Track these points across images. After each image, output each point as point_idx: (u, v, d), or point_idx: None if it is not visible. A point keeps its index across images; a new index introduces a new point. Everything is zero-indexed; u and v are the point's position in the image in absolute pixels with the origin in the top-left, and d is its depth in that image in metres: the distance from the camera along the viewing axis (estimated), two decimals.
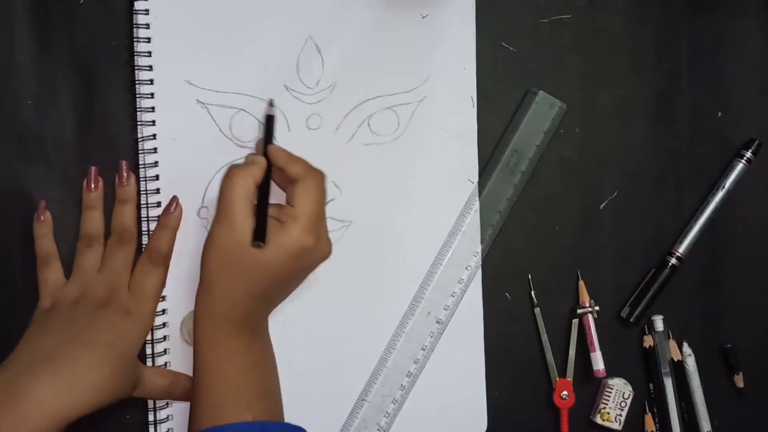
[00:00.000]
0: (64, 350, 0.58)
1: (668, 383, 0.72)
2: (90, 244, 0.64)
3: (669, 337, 0.73)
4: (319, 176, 0.61)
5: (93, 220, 0.64)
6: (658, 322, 0.72)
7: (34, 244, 0.64)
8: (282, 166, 0.61)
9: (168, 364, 0.66)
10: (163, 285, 0.65)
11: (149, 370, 0.64)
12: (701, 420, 0.72)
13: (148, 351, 0.65)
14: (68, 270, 0.64)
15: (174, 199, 0.65)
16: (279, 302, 0.64)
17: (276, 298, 0.63)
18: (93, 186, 0.64)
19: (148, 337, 0.65)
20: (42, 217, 0.64)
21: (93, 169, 0.64)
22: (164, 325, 0.66)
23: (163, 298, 0.66)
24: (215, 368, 0.59)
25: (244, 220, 0.58)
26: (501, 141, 0.70)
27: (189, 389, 0.64)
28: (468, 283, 0.70)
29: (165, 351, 0.66)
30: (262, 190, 0.60)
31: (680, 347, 0.73)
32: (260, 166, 0.60)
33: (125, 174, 0.65)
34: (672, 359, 0.72)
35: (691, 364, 0.72)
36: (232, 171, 0.59)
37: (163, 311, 0.66)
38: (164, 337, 0.66)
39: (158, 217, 0.65)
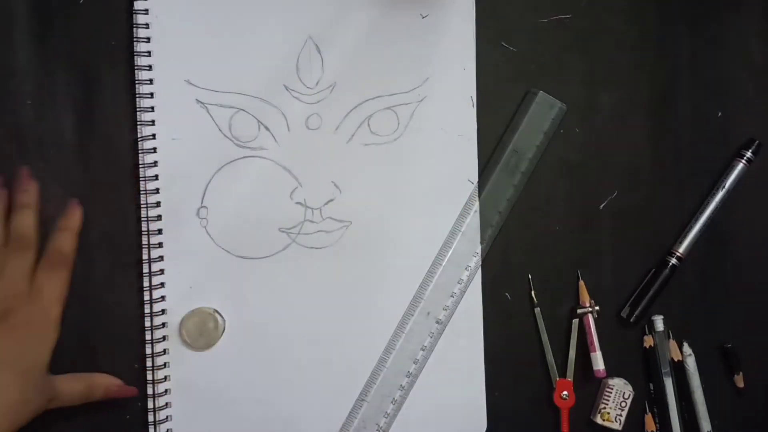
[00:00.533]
0: None
1: (668, 383, 0.72)
2: None
3: (669, 337, 0.72)
4: None
5: None
6: (658, 322, 0.72)
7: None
8: None
9: (167, 364, 0.66)
10: (65, 289, 0.63)
11: (63, 380, 0.62)
12: (701, 420, 0.72)
13: (148, 351, 0.65)
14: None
15: (71, 200, 0.64)
16: None
17: None
18: None
19: (148, 337, 0.65)
20: None
21: None
22: (164, 325, 0.66)
23: (163, 297, 0.66)
24: None
25: None
26: (501, 141, 0.70)
27: (109, 387, 0.64)
28: (468, 284, 0.70)
29: (164, 351, 0.66)
30: None
31: (680, 347, 0.73)
32: None
33: (25, 180, 0.63)
34: (672, 359, 0.72)
35: (691, 364, 0.72)
36: None
37: (163, 311, 0.66)
38: (164, 337, 0.66)
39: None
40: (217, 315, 0.67)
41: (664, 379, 0.72)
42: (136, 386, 0.65)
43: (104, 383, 0.64)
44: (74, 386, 0.63)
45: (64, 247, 0.63)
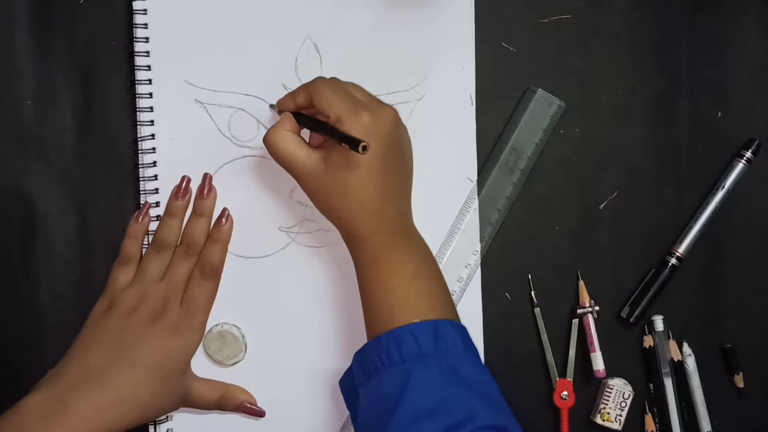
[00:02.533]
0: (110, 369, 0.59)
1: (668, 383, 0.72)
2: (160, 250, 0.64)
3: (669, 337, 0.72)
4: (320, 80, 0.61)
5: (170, 228, 0.65)
6: (658, 322, 0.72)
7: (31, 242, 0.64)
8: (291, 106, 0.62)
9: None
10: (213, 298, 0.66)
11: (199, 384, 0.65)
12: (701, 420, 0.72)
13: None
14: (73, 268, 0.65)
15: (224, 211, 0.66)
16: (408, 186, 0.64)
17: (399, 184, 0.62)
18: (182, 195, 0.65)
19: None
20: (141, 219, 0.65)
21: (186, 178, 0.65)
22: None
23: None
24: (380, 285, 0.59)
25: (305, 156, 0.60)
26: (500, 139, 0.70)
27: (242, 401, 0.66)
28: (468, 282, 0.70)
29: None
30: (309, 120, 0.61)
31: (680, 347, 0.72)
32: (285, 117, 0.61)
33: (207, 187, 0.65)
34: (672, 359, 0.72)
35: (691, 364, 0.72)
36: (266, 136, 0.61)
37: None
38: None
39: (211, 229, 0.66)
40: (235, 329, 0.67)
41: (664, 379, 0.72)
42: None
43: (239, 398, 0.66)
44: (209, 393, 0.65)
45: (215, 259, 0.65)
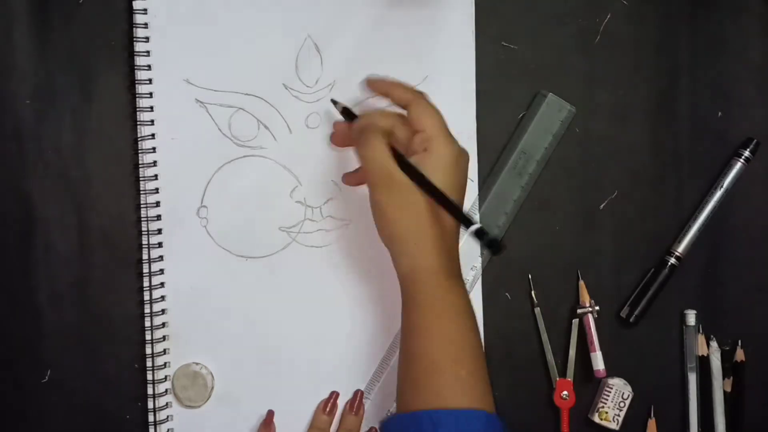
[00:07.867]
0: None
1: (692, 378, 0.71)
2: None
3: (699, 332, 0.72)
4: (423, 95, 0.59)
5: None
6: (690, 317, 0.72)
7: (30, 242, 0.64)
8: (384, 93, 0.60)
9: (168, 364, 0.66)
10: None
11: None
12: (717, 418, 0.72)
13: (148, 351, 0.65)
14: (72, 268, 0.64)
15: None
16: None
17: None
18: (328, 410, 0.68)
19: (148, 337, 0.65)
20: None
21: (335, 394, 0.68)
22: (164, 325, 0.66)
23: (163, 297, 0.66)
24: (437, 343, 0.55)
25: (400, 173, 0.55)
26: (509, 142, 0.70)
27: None
28: (473, 284, 0.70)
29: (165, 351, 0.66)
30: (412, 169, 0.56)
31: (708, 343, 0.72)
32: (378, 131, 0.56)
33: (357, 403, 0.68)
34: (698, 355, 0.72)
35: (715, 361, 0.72)
36: (364, 137, 0.56)
37: (163, 311, 0.66)
38: (164, 337, 0.66)
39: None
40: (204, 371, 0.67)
41: (689, 373, 0.71)
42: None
43: None
44: None
45: None
